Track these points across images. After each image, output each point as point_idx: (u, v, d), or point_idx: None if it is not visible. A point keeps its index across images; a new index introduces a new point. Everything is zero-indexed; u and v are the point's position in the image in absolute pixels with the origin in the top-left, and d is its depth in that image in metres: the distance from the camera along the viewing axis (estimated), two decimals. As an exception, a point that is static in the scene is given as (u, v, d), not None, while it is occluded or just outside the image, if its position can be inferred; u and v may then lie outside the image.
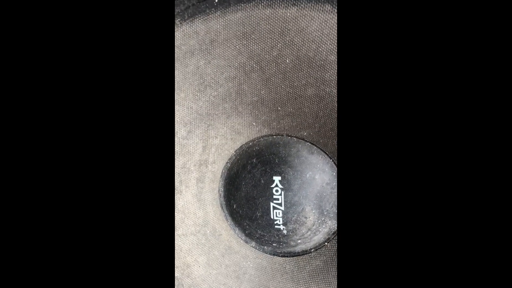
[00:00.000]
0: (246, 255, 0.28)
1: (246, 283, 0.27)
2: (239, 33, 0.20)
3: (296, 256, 0.27)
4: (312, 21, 0.18)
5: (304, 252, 0.27)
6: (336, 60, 0.19)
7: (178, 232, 0.27)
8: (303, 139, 0.25)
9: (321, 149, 0.25)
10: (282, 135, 0.26)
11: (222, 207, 0.28)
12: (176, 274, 0.27)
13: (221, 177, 0.27)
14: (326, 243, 0.26)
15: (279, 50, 0.20)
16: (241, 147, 0.27)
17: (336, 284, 0.25)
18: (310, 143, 0.25)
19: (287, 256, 0.27)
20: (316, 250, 0.27)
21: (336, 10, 0.18)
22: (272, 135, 0.26)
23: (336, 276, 0.26)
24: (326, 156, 0.25)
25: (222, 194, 0.28)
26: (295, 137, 0.25)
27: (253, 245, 0.28)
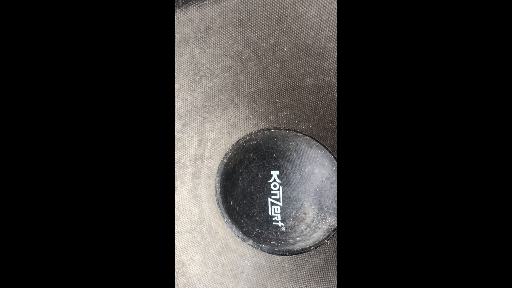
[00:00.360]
0: (244, 254, 0.27)
1: (243, 282, 0.26)
2: (235, 20, 0.19)
3: (295, 254, 0.26)
4: (310, 6, 0.18)
5: (303, 250, 0.26)
6: (335, 47, 0.19)
7: (173, 229, 0.26)
8: (301, 133, 0.24)
9: (320, 143, 0.24)
10: (280, 129, 0.25)
11: (218, 204, 0.27)
12: (170, 273, 0.26)
13: (217, 172, 0.27)
14: (326, 241, 0.26)
15: (276, 38, 0.19)
16: (238, 141, 0.26)
17: (336, 283, 0.25)
18: (309, 136, 0.24)
19: (286, 255, 0.26)
20: (315, 248, 0.26)
21: (335, -5, 0.17)
22: (270, 129, 0.25)
23: (336, 275, 0.25)
24: (325, 150, 0.24)
25: (219, 191, 0.27)
26: (293, 130, 0.25)
27: (251, 244, 0.27)
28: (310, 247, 0.26)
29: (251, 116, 0.24)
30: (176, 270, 0.26)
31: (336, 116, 0.22)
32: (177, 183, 0.25)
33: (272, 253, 0.27)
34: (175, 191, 0.25)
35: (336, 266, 0.25)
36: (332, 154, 0.24)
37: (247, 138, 0.26)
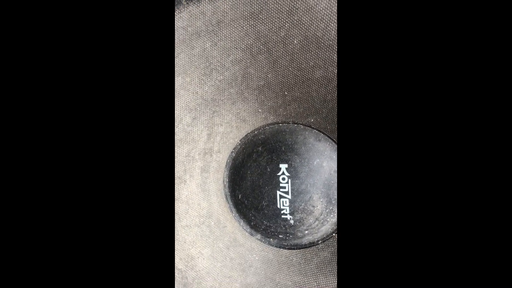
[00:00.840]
0: (252, 248, 0.27)
1: (252, 276, 0.27)
2: (246, 13, 0.19)
3: (303, 248, 0.26)
4: (321, -2, 0.18)
5: (311, 244, 0.26)
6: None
7: (182, 223, 0.26)
8: (309, 126, 0.25)
9: (328, 136, 0.25)
10: (288, 123, 0.25)
11: (226, 198, 0.27)
12: (180, 267, 0.26)
13: (225, 166, 0.27)
14: (334, 234, 0.26)
15: (286, 30, 0.20)
16: (246, 135, 0.26)
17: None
18: (317, 130, 0.25)
19: (294, 249, 0.26)
20: (323, 241, 0.26)
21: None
22: (278, 123, 0.25)
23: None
24: (333, 143, 0.25)
25: (227, 185, 0.27)
26: (301, 124, 0.25)
27: (259, 238, 0.27)
28: (318, 240, 0.26)
29: (259, 110, 0.25)
30: (185, 263, 0.26)
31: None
32: (186, 176, 0.26)
33: (280, 247, 0.27)
34: (185, 185, 0.26)
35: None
36: (340, 147, 0.25)
37: (256, 132, 0.26)
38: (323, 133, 0.25)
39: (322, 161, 0.25)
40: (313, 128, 0.25)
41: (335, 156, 0.25)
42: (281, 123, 0.25)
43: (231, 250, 0.27)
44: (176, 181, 0.25)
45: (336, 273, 0.25)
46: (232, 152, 0.27)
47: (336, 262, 0.25)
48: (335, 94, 0.22)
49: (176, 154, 0.25)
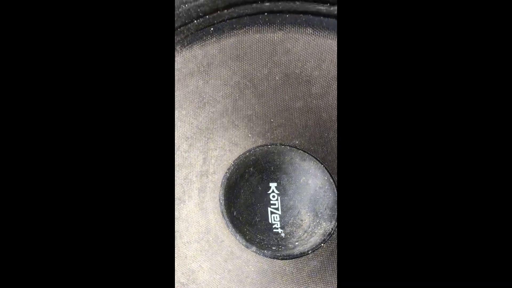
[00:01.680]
0: (248, 260, 0.30)
1: (249, 286, 0.29)
2: (233, 55, 0.22)
3: (294, 258, 0.29)
4: (296, 42, 0.21)
5: (302, 254, 0.29)
6: (320, 75, 0.22)
7: (183, 240, 0.28)
8: (295, 147, 0.27)
9: (312, 156, 0.27)
10: (276, 145, 0.28)
11: (223, 215, 0.30)
12: (182, 280, 0.28)
13: (221, 186, 0.29)
14: (322, 244, 0.28)
15: (269, 69, 0.22)
16: (238, 157, 0.29)
17: (333, 283, 0.27)
18: (302, 150, 0.27)
19: (286, 259, 0.29)
20: (313, 251, 0.28)
21: (317, 33, 0.20)
22: (267, 145, 0.28)
23: (333, 275, 0.27)
24: (317, 162, 0.27)
25: (223, 203, 0.29)
26: (288, 145, 0.27)
27: (254, 250, 0.29)
28: (308, 251, 0.28)
29: (249, 135, 0.27)
30: (187, 277, 0.28)
31: (324, 132, 0.25)
32: (185, 197, 0.28)
33: (273, 258, 0.29)
34: (184, 205, 0.28)
35: (332, 267, 0.27)
36: (324, 166, 0.27)
37: (247, 154, 0.28)
38: (307, 153, 0.27)
39: (308, 179, 0.27)
40: (298, 149, 0.27)
41: (319, 174, 0.27)
42: (270, 145, 0.28)
43: (228, 263, 0.29)
44: (176, 201, 0.28)
45: (325, 280, 0.28)
46: (226, 172, 0.29)
47: (325, 270, 0.28)
48: (315, 121, 0.25)
49: (175, 178, 0.27)
